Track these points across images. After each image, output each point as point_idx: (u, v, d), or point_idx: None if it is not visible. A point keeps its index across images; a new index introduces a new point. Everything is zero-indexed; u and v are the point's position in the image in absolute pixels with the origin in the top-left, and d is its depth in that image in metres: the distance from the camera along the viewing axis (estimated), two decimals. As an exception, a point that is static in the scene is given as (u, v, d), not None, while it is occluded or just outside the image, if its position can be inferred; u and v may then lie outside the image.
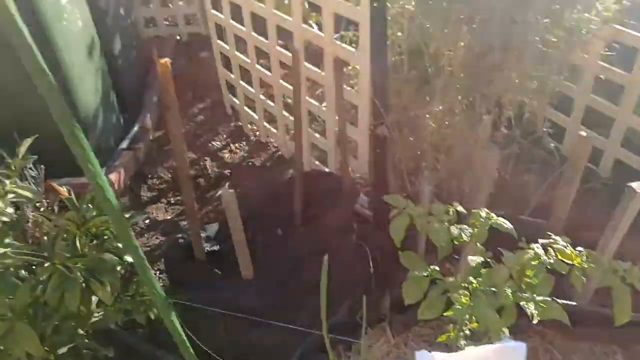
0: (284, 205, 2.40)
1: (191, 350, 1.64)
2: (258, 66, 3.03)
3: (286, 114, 3.00)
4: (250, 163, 3.24)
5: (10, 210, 1.79)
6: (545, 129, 2.39)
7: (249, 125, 3.52)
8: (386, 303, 1.79)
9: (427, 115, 2.20)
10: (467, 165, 2.20)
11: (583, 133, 1.82)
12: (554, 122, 2.81)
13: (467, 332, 1.26)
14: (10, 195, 1.84)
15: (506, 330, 1.18)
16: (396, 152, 2.45)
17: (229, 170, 3.16)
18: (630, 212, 1.49)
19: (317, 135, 2.82)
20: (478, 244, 1.26)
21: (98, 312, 1.80)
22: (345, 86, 2.43)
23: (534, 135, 2.47)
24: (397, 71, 2.22)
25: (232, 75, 3.33)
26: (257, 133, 3.45)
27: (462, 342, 1.27)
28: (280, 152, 3.26)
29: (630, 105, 2.43)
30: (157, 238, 2.79)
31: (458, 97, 2.10)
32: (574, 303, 1.69)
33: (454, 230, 1.29)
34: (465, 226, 1.31)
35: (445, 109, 2.17)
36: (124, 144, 3.20)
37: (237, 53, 3.16)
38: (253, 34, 2.87)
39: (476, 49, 1.90)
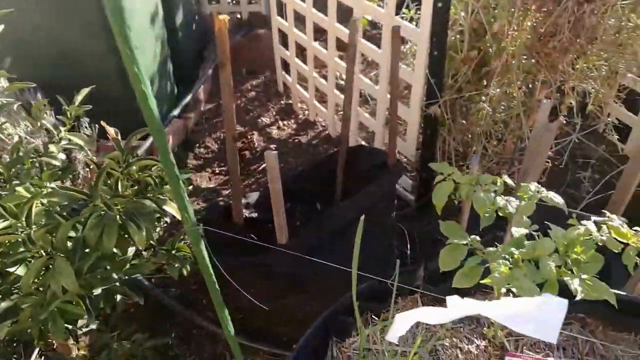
0: (326, 179, 2.38)
1: (214, 279, 1.63)
2: (315, 43, 3.02)
3: (337, 92, 2.97)
4: (296, 140, 3.23)
5: (62, 156, 1.86)
6: (607, 124, 2.24)
7: (299, 104, 3.51)
8: (420, 274, 1.73)
9: (483, 98, 2.11)
10: (520, 152, 2.11)
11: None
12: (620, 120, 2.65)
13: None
14: (64, 142, 1.91)
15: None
16: (446, 135, 2.38)
17: (275, 146, 3.17)
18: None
19: (366, 115, 2.78)
20: (524, 217, 1.19)
21: (133, 263, 1.83)
22: (400, 64, 2.38)
23: (595, 129, 2.33)
24: (455, 51, 2.14)
25: (288, 53, 3.33)
26: (307, 112, 3.44)
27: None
28: (327, 132, 3.23)
29: None
30: (198, 204, 2.83)
31: (517, 81, 2.01)
32: (623, 293, 1.57)
33: (500, 200, 1.22)
34: (512, 198, 1.24)
35: (503, 93, 2.08)
36: (176, 112, 3.26)
37: (295, 30, 3.16)
38: (313, 10, 2.86)
39: (543, 29, 1.80)
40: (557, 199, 1.20)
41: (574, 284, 1.05)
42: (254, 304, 2.05)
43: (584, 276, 1.09)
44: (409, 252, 2.37)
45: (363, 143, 2.87)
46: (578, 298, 1.05)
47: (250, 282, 2.08)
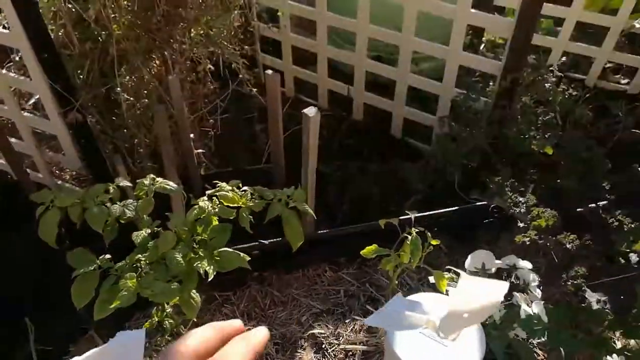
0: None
1: None
2: None
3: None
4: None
5: None
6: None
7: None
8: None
9: (118, 89, 1.97)
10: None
11: (269, 72, 1.79)
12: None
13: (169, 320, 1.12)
14: None
15: (197, 296, 1.07)
16: (107, 137, 2.20)
17: None
18: (312, 134, 1.49)
19: (13, 139, 2.38)
20: (145, 217, 1.12)
21: None
22: (12, 74, 2.05)
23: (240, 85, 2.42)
24: (69, 48, 1.93)
25: None
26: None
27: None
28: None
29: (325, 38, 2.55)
30: None
31: (143, 63, 1.91)
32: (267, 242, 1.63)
33: (116, 208, 1.12)
34: (130, 201, 1.15)
35: (135, 77, 1.97)
36: None
37: None
38: None
39: (137, 6, 1.71)
40: (170, 185, 1.15)
41: (204, 266, 1.03)
42: None
43: (216, 251, 1.08)
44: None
45: (28, 170, 2.48)
46: (210, 278, 1.03)
47: None
